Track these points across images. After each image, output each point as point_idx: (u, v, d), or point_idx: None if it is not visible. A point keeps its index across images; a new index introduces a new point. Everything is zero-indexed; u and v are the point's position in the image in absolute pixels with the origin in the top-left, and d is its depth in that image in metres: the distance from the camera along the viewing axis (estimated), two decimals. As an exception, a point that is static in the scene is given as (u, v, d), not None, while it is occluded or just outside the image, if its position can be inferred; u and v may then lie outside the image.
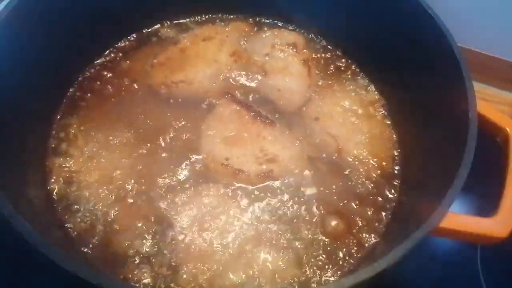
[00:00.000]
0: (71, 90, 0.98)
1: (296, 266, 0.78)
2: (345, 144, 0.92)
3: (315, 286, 0.76)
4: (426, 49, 0.87)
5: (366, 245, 0.82)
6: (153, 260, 0.77)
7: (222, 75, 1.00)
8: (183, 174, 0.86)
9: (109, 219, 0.80)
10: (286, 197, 0.85)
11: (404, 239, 0.62)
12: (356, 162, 0.90)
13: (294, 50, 1.03)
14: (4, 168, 0.71)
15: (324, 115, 0.96)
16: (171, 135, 0.91)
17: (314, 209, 0.84)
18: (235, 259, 0.77)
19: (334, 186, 0.88)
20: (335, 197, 0.86)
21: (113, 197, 0.83)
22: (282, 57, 1.02)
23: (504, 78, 1.31)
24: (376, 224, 0.85)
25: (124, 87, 0.99)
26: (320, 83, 1.02)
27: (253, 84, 1.00)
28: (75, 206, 0.82)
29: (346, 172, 0.90)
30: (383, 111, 1.00)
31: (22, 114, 0.81)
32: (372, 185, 0.89)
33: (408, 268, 0.96)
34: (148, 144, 0.89)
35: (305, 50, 1.06)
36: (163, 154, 0.88)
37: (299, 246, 0.80)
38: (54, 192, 0.83)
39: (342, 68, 1.07)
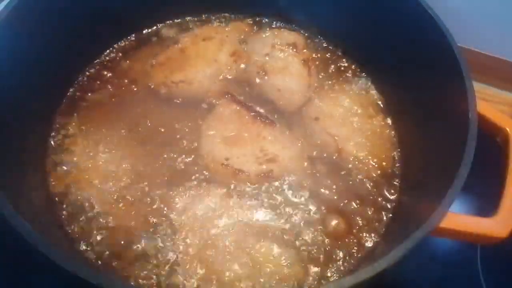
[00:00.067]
0: (71, 90, 0.98)
1: (296, 265, 0.77)
2: (345, 144, 0.92)
3: (315, 285, 0.76)
4: (426, 49, 0.87)
5: (366, 245, 0.82)
6: (153, 260, 0.77)
7: (222, 75, 1.00)
8: (183, 174, 0.86)
9: (109, 219, 0.80)
10: (286, 197, 0.85)
11: (404, 239, 0.62)
12: (356, 162, 0.90)
13: (294, 50, 1.03)
14: (4, 168, 0.71)
15: (324, 115, 0.96)
16: (171, 135, 0.91)
17: (315, 209, 0.84)
18: (234, 258, 0.77)
19: (334, 186, 0.88)
20: (335, 197, 0.86)
21: (113, 197, 0.83)
22: (282, 57, 1.02)
23: (504, 78, 1.31)
24: (376, 224, 0.85)
25: (124, 87, 0.99)
26: (320, 83, 1.02)
27: (253, 84, 1.00)
28: (75, 206, 0.82)
29: (346, 172, 0.90)
30: (383, 111, 1.00)
31: (22, 114, 0.81)
32: (372, 185, 0.89)
33: (408, 268, 0.96)
34: (148, 144, 0.89)
35: (305, 50, 1.05)
36: (163, 154, 0.88)
37: (299, 246, 0.80)
38: (54, 192, 0.83)
39: (342, 68, 1.07)
